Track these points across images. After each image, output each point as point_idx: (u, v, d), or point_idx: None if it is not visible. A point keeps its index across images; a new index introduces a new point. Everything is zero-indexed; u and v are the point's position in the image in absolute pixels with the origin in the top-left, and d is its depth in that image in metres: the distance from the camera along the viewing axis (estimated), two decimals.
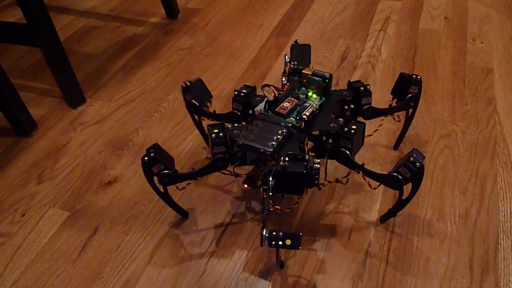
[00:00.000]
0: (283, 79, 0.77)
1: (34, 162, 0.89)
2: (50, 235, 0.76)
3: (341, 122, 0.68)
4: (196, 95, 0.77)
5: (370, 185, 0.69)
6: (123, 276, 0.69)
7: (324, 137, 0.69)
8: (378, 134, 0.89)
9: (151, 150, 0.65)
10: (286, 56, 0.80)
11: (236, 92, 0.73)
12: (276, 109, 0.69)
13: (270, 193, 0.62)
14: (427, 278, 0.67)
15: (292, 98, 0.71)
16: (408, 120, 0.83)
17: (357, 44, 1.19)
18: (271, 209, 0.64)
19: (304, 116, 0.68)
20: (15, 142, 0.94)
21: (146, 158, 0.65)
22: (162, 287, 0.67)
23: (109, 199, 0.81)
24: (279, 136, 0.64)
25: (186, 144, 0.91)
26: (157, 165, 0.66)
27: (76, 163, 0.89)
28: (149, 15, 1.38)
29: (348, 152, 0.65)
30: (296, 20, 1.31)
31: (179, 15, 1.37)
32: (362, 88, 0.73)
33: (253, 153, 0.67)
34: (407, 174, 0.62)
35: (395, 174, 0.63)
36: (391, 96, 0.79)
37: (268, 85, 0.71)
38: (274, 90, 0.70)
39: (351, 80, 0.76)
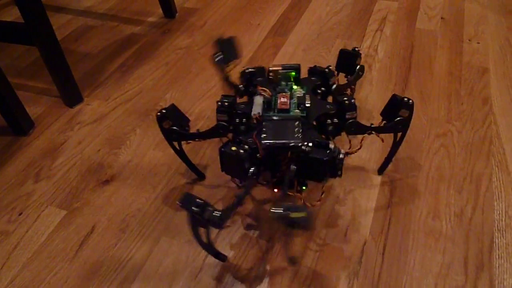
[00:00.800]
0: (240, 86, 0.78)
1: (31, 161, 0.90)
2: (47, 233, 0.76)
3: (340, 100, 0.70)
4: (175, 122, 0.73)
5: (382, 140, 0.77)
6: (120, 274, 0.69)
7: (328, 120, 0.70)
8: (365, 154, 0.88)
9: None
10: (218, 57, 0.78)
11: (219, 103, 0.71)
12: (278, 107, 0.69)
13: (304, 187, 0.67)
14: (422, 276, 0.67)
15: (284, 94, 0.71)
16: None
17: (354, 44, 1.19)
18: (289, 193, 0.66)
19: (308, 105, 0.69)
20: (12, 141, 0.94)
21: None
22: (159, 285, 0.68)
23: (106, 198, 0.81)
24: (297, 128, 0.65)
25: (184, 143, 0.91)
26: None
27: (73, 162, 0.89)
28: (146, 15, 1.38)
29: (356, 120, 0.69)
30: (293, 20, 1.31)
31: (177, 14, 1.37)
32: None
33: (281, 150, 0.65)
34: (405, 114, 0.69)
35: (399, 118, 0.70)
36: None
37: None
38: (268, 91, 0.71)
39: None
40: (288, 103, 0.69)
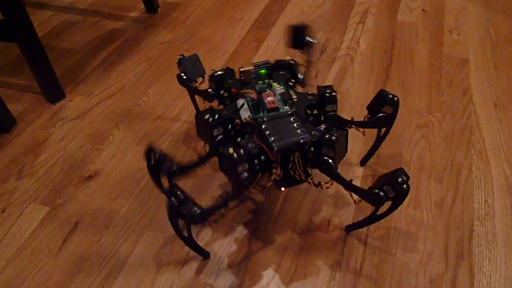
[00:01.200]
0: (210, 90, 0.77)
1: (13, 158, 0.89)
2: (31, 230, 0.76)
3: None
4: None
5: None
6: (105, 269, 0.69)
7: (308, 111, 0.70)
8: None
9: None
10: (185, 76, 0.80)
11: (209, 119, 0.67)
12: (267, 107, 0.67)
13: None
14: (403, 265, 0.68)
15: (267, 92, 0.71)
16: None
17: (336, 37, 1.20)
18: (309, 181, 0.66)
19: (295, 100, 0.69)
20: None
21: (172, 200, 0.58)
22: (143, 279, 0.68)
23: (90, 194, 0.81)
24: (297, 124, 0.64)
25: (166, 138, 0.91)
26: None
27: (56, 158, 0.88)
28: (128, 10, 1.38)
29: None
30: (276, 13, 1.32)
31: (159, 9, 1.36)
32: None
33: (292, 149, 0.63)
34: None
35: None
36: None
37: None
38: (253, 92, 0.70)
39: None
40: (275, 101, 0.69)
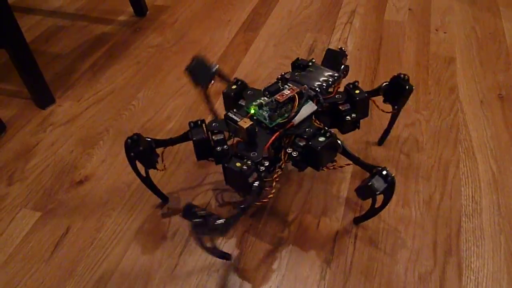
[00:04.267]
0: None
1: (4, 164, 0.89)
2: (22, 236, 0.76)
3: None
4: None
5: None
6: (97, 273, 0.70)
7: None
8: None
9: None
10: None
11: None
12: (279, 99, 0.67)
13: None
14: (392, 262, 0.69)
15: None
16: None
17: (324, 37, 1.20)
18: None
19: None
20: None
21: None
22: (135, 282, 0.68)
23: (81, 198, 0.82)
24: None
25: None
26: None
27: (47, 163, 0.89)
28: (117, 13, 1.38)
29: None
30: (264, 15, 1.32)
31: (147, 12, 1.37)
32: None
33: None
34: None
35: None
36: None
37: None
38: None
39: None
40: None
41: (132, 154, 0.68)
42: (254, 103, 0.68)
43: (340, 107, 0.74)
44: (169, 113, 0.98)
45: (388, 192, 0.63)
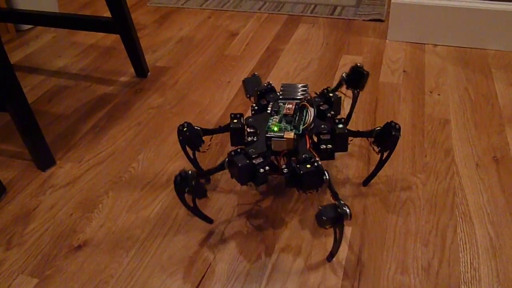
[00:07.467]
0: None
1: (2, 227, 0.89)
2: None
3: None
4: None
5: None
6: None
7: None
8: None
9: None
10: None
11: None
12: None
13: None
14: None
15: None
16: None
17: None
18: None
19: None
20: None
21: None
22: None
23: (79, 264, 0.81)
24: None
25: (156, 204, 0.92)
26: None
27: (46, 227, 0.89)
28: (119, 74, 1.41)
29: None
30: (262, 76, 1.36)
31: (149, 73, 1.40)
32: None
33: None
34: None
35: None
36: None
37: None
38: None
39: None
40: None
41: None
42: (272, 122, 0.84)
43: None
44: (169, 176, 0.99)
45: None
